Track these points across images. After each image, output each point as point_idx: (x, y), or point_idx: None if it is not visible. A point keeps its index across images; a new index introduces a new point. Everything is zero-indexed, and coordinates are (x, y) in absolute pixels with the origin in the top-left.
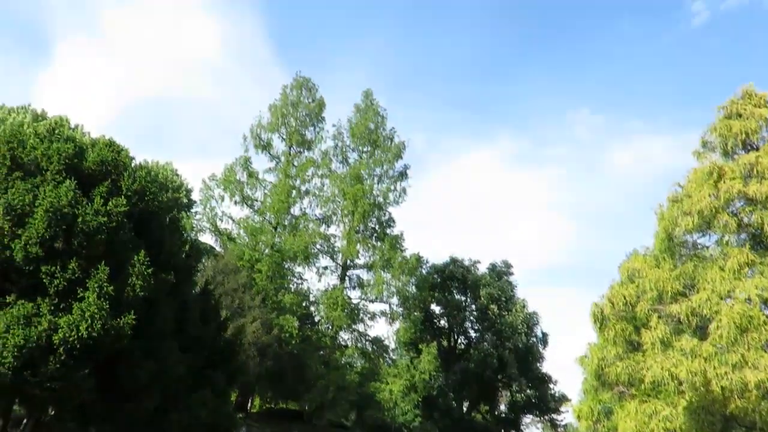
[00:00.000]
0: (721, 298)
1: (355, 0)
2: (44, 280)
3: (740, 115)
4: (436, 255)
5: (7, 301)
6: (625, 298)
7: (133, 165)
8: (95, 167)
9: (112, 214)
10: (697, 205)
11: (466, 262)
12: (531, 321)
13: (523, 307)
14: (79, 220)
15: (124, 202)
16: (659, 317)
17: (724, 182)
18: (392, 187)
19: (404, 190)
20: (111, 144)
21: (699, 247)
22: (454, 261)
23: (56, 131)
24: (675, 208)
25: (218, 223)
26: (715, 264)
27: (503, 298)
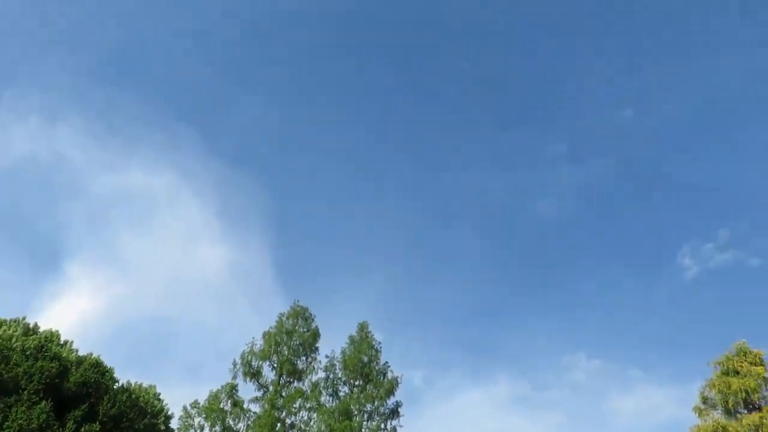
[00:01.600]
0: None
1: (359, 240)
2: None
3: (737, 372)
4: None
5: None
6: None
7: (115, 386)
8: (76, 388)
9: None
10: None
11: None
12: None
13: None
14: None
15: (98, 429)
16: None
17: None
18: (382, 425)
19: (395, 430)
20: (97, 364)
21: None
22: None
23: (44, 348)
24: None
25: None
26: None
27: None
